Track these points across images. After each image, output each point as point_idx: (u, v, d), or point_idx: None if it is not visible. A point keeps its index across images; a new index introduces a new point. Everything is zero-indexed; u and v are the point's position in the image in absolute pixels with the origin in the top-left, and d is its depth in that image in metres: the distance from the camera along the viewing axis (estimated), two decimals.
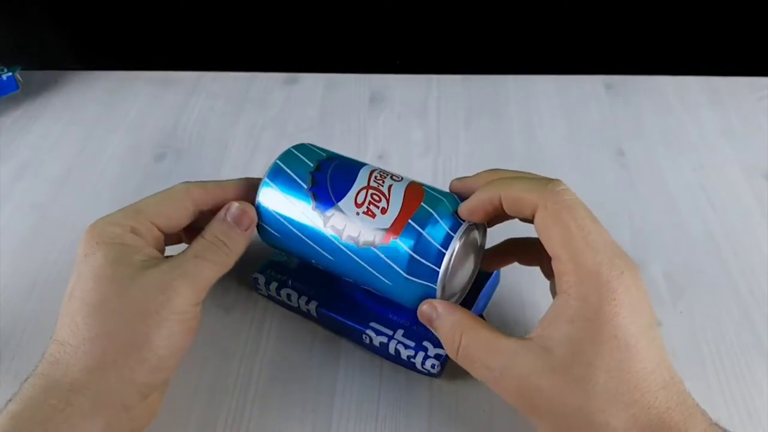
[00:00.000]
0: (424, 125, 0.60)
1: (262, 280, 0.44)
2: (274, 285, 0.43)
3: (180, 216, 0.37)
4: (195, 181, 0.38)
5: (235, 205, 0.37)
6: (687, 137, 0.58)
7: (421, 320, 0.35)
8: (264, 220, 0.38)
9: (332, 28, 0.69)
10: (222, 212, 0.37)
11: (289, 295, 0.43)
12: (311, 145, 0.40)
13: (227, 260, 0.36)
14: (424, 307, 0.34)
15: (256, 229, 0.38)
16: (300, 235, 0.37)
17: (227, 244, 0.35)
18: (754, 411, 0.39)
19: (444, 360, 0.39)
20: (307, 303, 0.42)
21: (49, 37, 0.72)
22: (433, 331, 0.35)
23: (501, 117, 0.61)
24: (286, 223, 0.37)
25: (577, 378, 0.28)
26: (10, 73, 0.62)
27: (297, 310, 0.44)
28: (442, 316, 0.33)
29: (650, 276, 0.47)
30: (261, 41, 0.70)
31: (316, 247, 0.37)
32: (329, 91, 0.64)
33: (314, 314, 0.42)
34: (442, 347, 0.39)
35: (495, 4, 0.67)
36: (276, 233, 0.38)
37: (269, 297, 0.45)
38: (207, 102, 0.64)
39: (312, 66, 0.67)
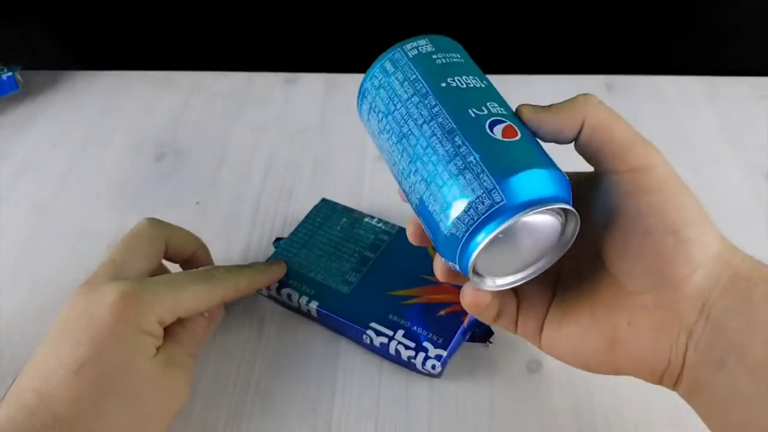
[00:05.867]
0: None
1: None
2: (274, 285, 0.43)
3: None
4: (218, 279, 0.39)
5: (217, 316, 0.40)
6: (687, 137, 0.58)
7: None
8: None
9: (332, 28, 0.69)
10: (209, 321, 0.39)
11: (289, 295, 0.43)
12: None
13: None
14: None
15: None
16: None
17: (199, 343, 0.39)
18: None
19: (444, 361, 0.39)
20: (307, 303, 0.42)
21: (49, 38, 0.72)
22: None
23: None
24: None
25: None
26: (10, 73, 0.62)
27: (297, 310, 0.44)
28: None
29: None
30: (261, 41, 0.70)
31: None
32: (329, 91, 0.64)
33: (314, 314, 0.42)
34: (442, 347, 0.39)
35: (495, 4, 0.67)
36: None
37: (269, 297, 0.45)
38: (207, 102, 0.64)
39: (312, 66, 0.67)
